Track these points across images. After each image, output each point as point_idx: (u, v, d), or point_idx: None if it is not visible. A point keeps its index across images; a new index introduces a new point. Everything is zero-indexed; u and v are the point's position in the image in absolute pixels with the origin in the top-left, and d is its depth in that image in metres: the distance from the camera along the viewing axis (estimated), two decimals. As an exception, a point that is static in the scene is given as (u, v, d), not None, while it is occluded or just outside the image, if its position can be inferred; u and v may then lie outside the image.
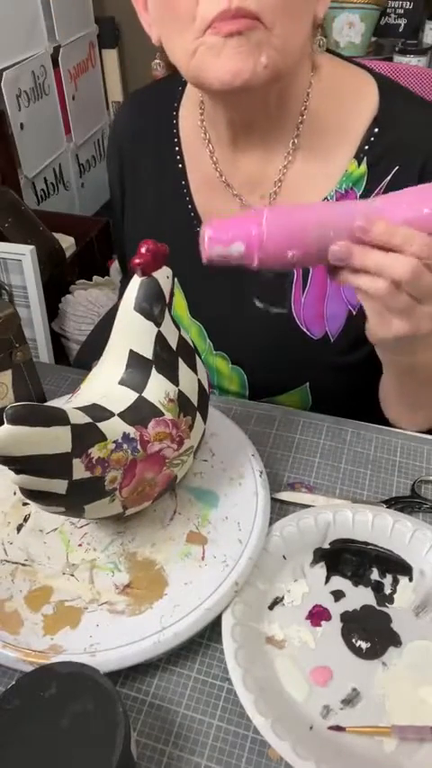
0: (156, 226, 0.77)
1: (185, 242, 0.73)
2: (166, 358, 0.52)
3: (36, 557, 0.55)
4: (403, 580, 0.54)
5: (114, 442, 0.48)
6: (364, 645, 0.50)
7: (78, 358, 1.08)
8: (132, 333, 0.51)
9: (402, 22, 1.96)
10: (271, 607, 0.53)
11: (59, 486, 0.45)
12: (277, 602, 0.53)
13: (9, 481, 0.44)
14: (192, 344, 0.56)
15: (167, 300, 0.52)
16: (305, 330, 0.72)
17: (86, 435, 0.46)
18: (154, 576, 0.53)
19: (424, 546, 0.55)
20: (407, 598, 0.53)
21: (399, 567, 0.55)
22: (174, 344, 0.53)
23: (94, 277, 1.73)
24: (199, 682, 0.49)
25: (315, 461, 0.66)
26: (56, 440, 0.43)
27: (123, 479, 0.49)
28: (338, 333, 0.72)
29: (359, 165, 0.67)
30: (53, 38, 2.06)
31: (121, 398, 0.51)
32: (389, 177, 0.66)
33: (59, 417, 0.44)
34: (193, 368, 0.55)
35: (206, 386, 0.57)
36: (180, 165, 0.75)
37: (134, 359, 0.51)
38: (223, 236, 0.45)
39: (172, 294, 0.53)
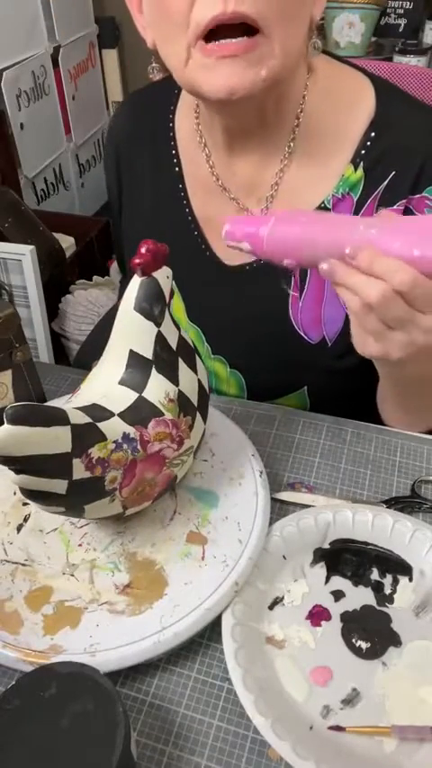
0: (153, 227, 0.77)
1: (183, 245, 0.73)
2: (166, 358, 0.52)
3: (36, 557, 0.55)
4: (403, 580, 0.54)
5: (114, 442, 0.48)
6: (364, 645, 0.50)
7: (78, 358, 1.08)
8: (132, 333, 0.51)
9: (402, 22, 1.96)
10: (271, 607, 0.53)
11: (59, 486, 0.45)
12: (277, 602, 0.53)
13: (9, 481, 0.44)
14: (192, 344, 0.56)
15: (167, 300, 0.52)
16: (303, 334, 0.72)
17: (86, 435, 0.46)
18: (154, 575, 0.53)
19: (424, 546, 0.55)
20: (407, 598, 0.53)
21: (399, 567, 0.55)
22: (174, 344, 0.53)
23: (94, 277, 1.73)
24: (199, 682, 0.49)
25: (315, 461, 0.66)
26: (56, 440, 0.43)
27: (123, 479, 0.49)
28: (336, 337, 0.72)
29: (356, 169, 0.66)
30: (53, 38, 2.06)
31: (121, 398, 0.51)
32: (386, 182, 0.66)
33: (59, 417, 0.44)
34: (193, 368, 0.55)
35: (206, 386, 0.57)
36: (177, 169, 0.75)
37: (134, 359, 0.51)
38: (236, 234, 0.51)
39: (172, 294, 0.53)
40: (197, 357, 0.56)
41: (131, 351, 0.51)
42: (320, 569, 0.55)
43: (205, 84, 0.56)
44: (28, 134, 1.96)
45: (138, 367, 0.52)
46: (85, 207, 2.42)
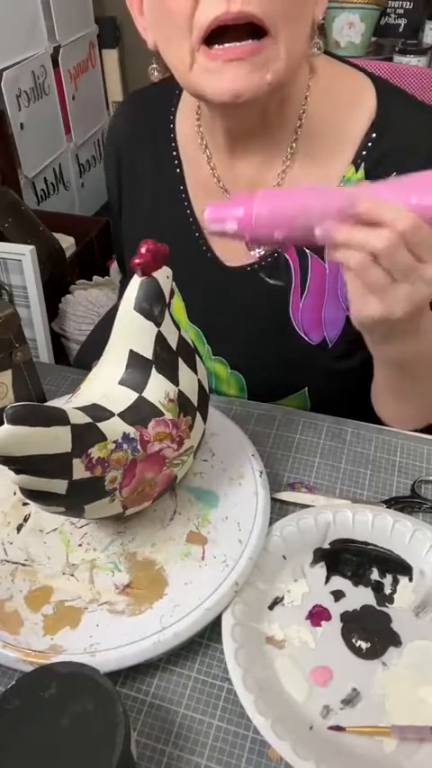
0: (153, 227, 0.77)
1: (184, 246, 0.73)
2: (166, 358, 0.52)
3: (36, 557, 0.55)
4: (403, 580, 0.54)
5: (114, 442, 0.48)
6: (364, 645, 0.50)
7: (78, 358, 1.08)
8: (132, 333, 0.51)
9: (402, 22, 1.97)
10: (271, 607, 0.53)
11: (59, 486, 0.45)
12: (277, 602, 0.53)
13: (9, 481, 0.44)
14: (192, 344, 0.56)
15: (167, 300, 0.52)
16: (303, 335, 0.72)
17: (86, 435, 0.46)
18: (154, 575, 0.53)
19: (424, 546, 0.55)
20: (407, 598, 0.53)
21: (399, 567, 0.55)
22: (174, 344, 0.53)
23: (94, 277, 1.73)
24: (199, 682, 0.49)
25: (315, 461, 0.66)
26: (56, 440, 0.43)
27: (123, 479, 0.49)
28: (336, 338, 0.72)
29: (357, 170, 0.66)
30: (53, 38, 2.06)
31: (121, 398, 0.51)
32: None
33: (59, 417, 0.44)
34: (193, 368, 0.55)
35: (206, 386, 0.57)
36: (178, 170, 0.74)
37: (134, 359, 0.51)
38: (219, 216, 0.50)
39: (172, 294, 0.53)
40: (197, 357, 0.56)
41: (131, 351, 0.51)
42: (320, 569, 0.55)
43: (210, 87, 0.55)
44: (28, 134, 1.96)
45: (138, 367, 0.52)
46: (85, 207, 2.42)
